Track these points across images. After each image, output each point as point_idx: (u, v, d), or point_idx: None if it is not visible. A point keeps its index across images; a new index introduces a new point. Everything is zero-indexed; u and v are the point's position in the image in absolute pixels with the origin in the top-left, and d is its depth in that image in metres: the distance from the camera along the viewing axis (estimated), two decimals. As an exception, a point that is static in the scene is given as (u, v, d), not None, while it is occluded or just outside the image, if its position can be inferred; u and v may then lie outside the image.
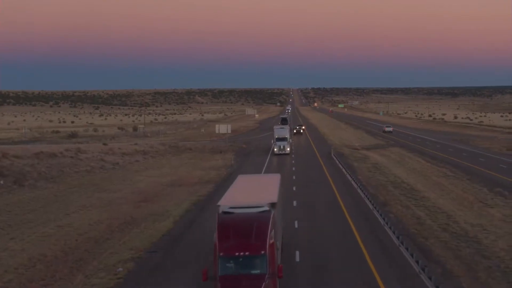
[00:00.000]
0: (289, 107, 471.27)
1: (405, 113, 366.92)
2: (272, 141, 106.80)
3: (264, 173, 76.82)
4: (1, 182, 64.41)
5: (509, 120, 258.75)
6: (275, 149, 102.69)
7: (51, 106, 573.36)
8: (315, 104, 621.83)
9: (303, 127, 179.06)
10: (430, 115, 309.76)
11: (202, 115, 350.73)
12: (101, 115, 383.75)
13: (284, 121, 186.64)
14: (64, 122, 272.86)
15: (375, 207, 50.60)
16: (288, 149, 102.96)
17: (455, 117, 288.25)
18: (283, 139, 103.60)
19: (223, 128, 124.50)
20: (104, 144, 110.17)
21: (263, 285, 26.85)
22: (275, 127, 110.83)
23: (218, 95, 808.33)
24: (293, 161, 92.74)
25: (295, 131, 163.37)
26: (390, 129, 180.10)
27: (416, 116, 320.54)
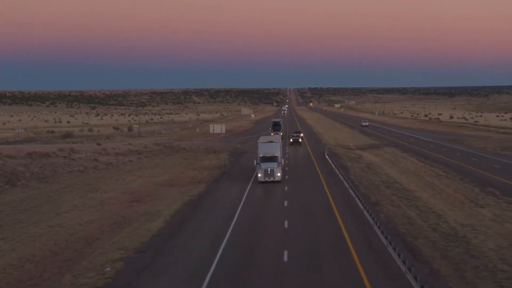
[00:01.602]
0: (285, 108, 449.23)
1: (401, 113, 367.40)
2: (255, 162, 72.50)
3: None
4: None
5: (505, 120, 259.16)
6: (260, 175, 69.99)
7: (47, 106, 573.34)
8: (311, 104, 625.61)
9: (302, 135, 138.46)
10: (426, 115, 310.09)
11: (198, 115, 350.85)
12: (97, 115, 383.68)
13: (276, 127, 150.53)
14: (60, 122, 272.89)
15: (365, 207, 50.69)
16: (279, 174, 70.14)
17: (451, 117, 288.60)
18: (271, 158, 70.74)
19: (217, 128, 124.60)
20: (98, 144, 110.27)
21: None
22: (260, 140, 75.85)
23: (215, 95, 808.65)
24: (286, 161, 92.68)
25: (291, 140, 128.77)
26: (366, 123, 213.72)
27: (412, 116, 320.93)
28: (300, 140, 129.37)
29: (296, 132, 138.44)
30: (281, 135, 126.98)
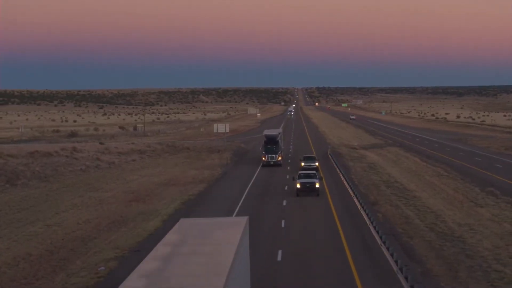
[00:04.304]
0: (291, 108, 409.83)
1: (409, 112, 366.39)
2: None
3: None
4: None
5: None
6: None
7: (55, 105, 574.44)
8: (317, 103, 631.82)
9: (317, 163, 78.66)
10: (432, 115, 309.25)
11: (205, 115, 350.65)
12: (104, 114, 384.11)
13: (270, 146, 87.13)
14: (66, 121, 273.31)
15: (363, 207, 50.62)
16: None
17: (458, 117, 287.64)
18: None
19: (221, 128, 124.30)
20: (101, 143, 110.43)
21: None
22: (167, 240, 25.33)
23: (222, 94, 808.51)
24: (288, 160, 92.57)
25: (299, 185, 59.53)
26: (353, 117, 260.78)
27: (419, 115, 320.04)
28: (317, 185, 59.96)
29: (307, 161, 79.23)
30: (281, 160, 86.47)
